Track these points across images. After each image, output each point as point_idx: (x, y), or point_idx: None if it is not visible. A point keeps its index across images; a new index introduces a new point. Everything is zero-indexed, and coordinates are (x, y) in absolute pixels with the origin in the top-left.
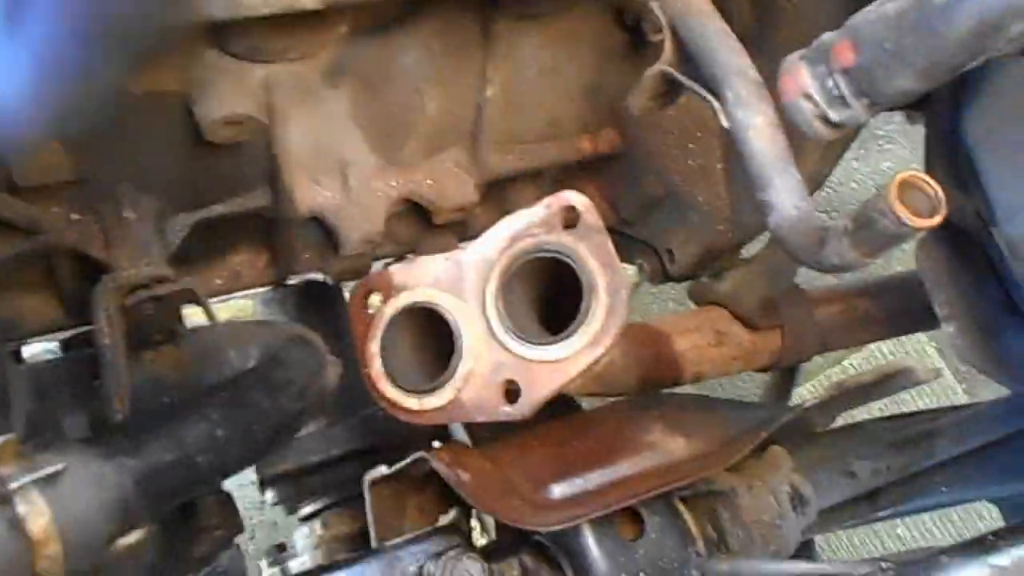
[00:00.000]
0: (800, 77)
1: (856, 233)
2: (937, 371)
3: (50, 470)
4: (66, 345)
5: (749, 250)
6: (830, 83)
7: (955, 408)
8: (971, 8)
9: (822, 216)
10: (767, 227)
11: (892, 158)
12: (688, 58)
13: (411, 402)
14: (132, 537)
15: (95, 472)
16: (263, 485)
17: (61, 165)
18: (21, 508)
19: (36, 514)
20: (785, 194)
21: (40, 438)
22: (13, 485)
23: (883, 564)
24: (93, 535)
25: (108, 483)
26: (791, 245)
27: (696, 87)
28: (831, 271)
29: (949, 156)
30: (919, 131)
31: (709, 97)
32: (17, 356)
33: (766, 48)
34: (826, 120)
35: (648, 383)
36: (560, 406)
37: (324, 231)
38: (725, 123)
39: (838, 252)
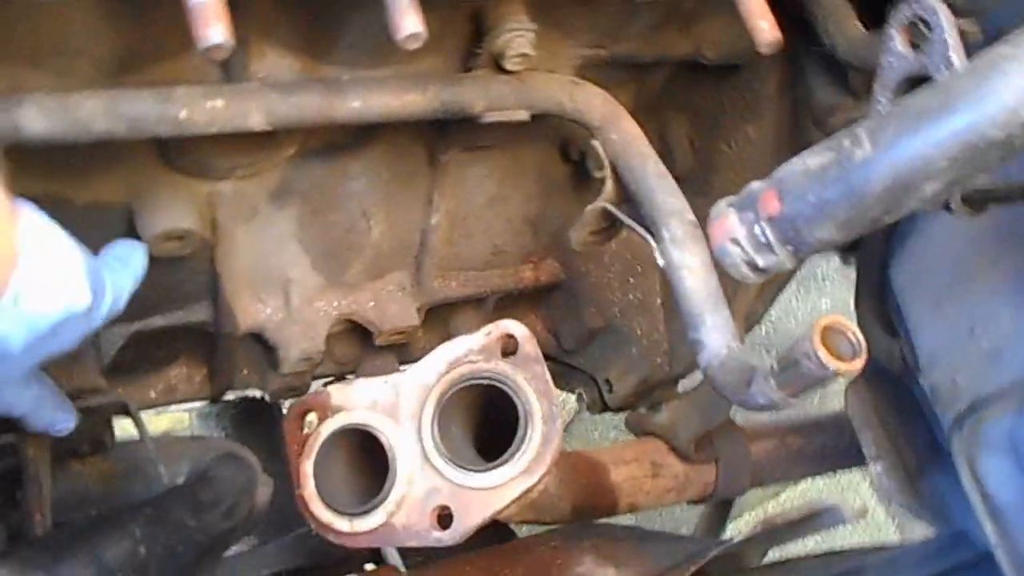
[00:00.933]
0: (728, 223)
1: (781, 374)
2: (864, 510)
3: None
4: None
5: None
6: (757, 230)
7: (883, 547)
8: (885, 168)
9: (759, 352)
10: (698, 365)
11: (830, 297)
12: (628, 197)
13: (343, 524)
14: None
15: None
16: None
17: None
18: None
19: None
20: (715, 333)
21: None
22: None
23: None
24: None
25: None
26: (719, 384)
27: (634, 225)
28: (757, 410)
29: (878, 299)
30: None
31: (646, 236)
32: None
33: (705, 190)
34: (753, 265)
35: (583, 512)
36: (494, 532)
37: (264, 348)
38: (661, 262)
39: (763, 392)
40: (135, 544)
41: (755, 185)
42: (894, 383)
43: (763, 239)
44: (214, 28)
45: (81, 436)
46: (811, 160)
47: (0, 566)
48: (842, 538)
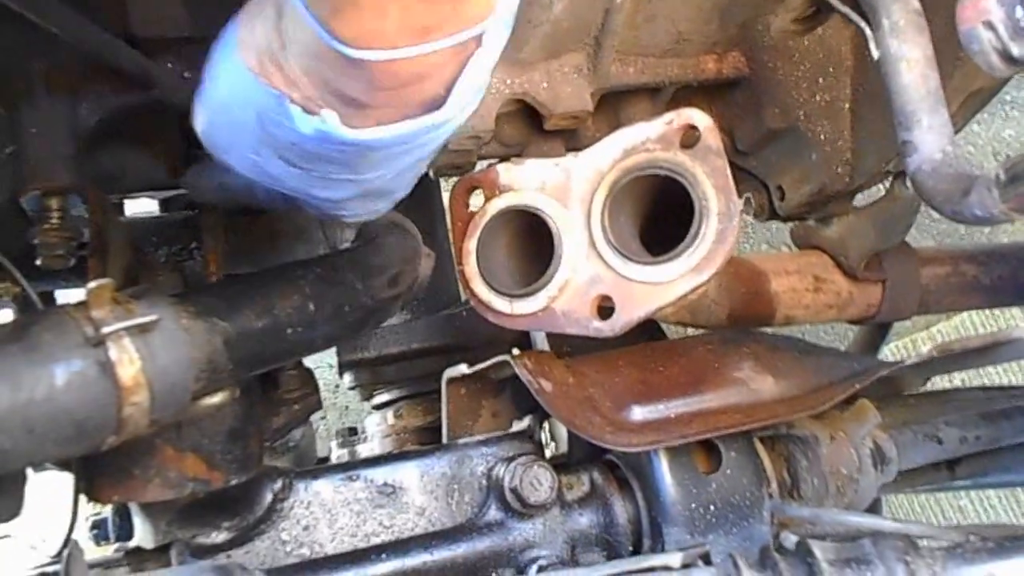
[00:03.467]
0: (983, 2)
1: (1009, 186)
2: None
3: (143, 320)
4: (164, 204)
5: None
6: (1019, 11)
7: None
8: None
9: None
10: (905, 168)
11: (1016, 126)
12: None
13: (502, 304)
14: (215, 398)
15: (187, 327)
16: (341, 368)
17: (178, 19)
18: (112, 353)
19: (127, 361)
20: (931, 135)
21: (132, 288)
22: (106, 329)
23: (971, 536)
24: (180, 390)
25: (198, 340)
26: (930, 190)
27: (848, 12)
28: (969, 223)
29: None
30: None
31: (861, 23)
32: (119, 209)
33: None
34: (1006, 55)
35: (738, 319)
36: (644, 329)
37: None
38: (876, 53)
39: (983, 203)
40: (305, 300)
41: None
42: None
43: None
44: None
45: None
46: None
47: (181, 305)
48: (994, 380)
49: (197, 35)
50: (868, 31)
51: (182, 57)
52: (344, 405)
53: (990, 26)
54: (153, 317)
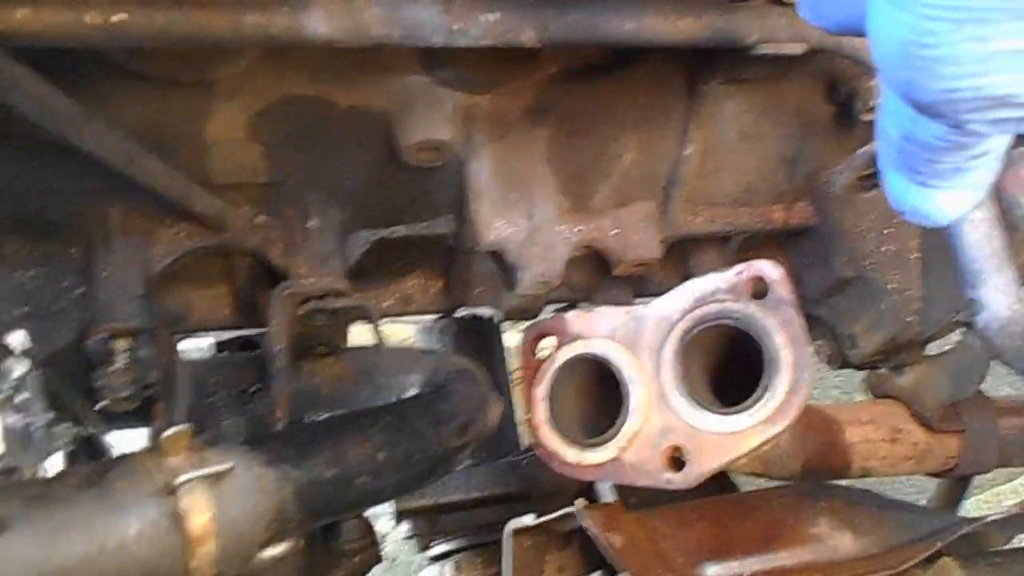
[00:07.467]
0: (1021, 173)
1: None
2: None
3: (218, 468)
4: (220, 345)
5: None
6: None
7: None
8: None
9: None
10: (974, 326)
11: None
12: None
13: (571, 454)
14: (280, 548)
15: (259, 477)
16: (399, 516)
17: (256, 166)
18: (184, 502)
19: (198, 511)
20: (998, 294)
21: (205, 434)
22: (181, 478)
23: None
24: (248, 540)
25: (270, 490)
26: (1000, 348)
27: None
28: None
29: None
30: None
31: None
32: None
33: None
34: None
35: (813, 471)
36: (716, 482)
37: (502, 267)
38: None
39: None
40: (375, 448)
41: None
42: None
43: None
44: None
45: (319, 337)
46: None
47: (253, 453)
48: None
49: (272, 181)
50: None
51: (256, 202)
52: (392, 556)
53: None
54: (227, 466)
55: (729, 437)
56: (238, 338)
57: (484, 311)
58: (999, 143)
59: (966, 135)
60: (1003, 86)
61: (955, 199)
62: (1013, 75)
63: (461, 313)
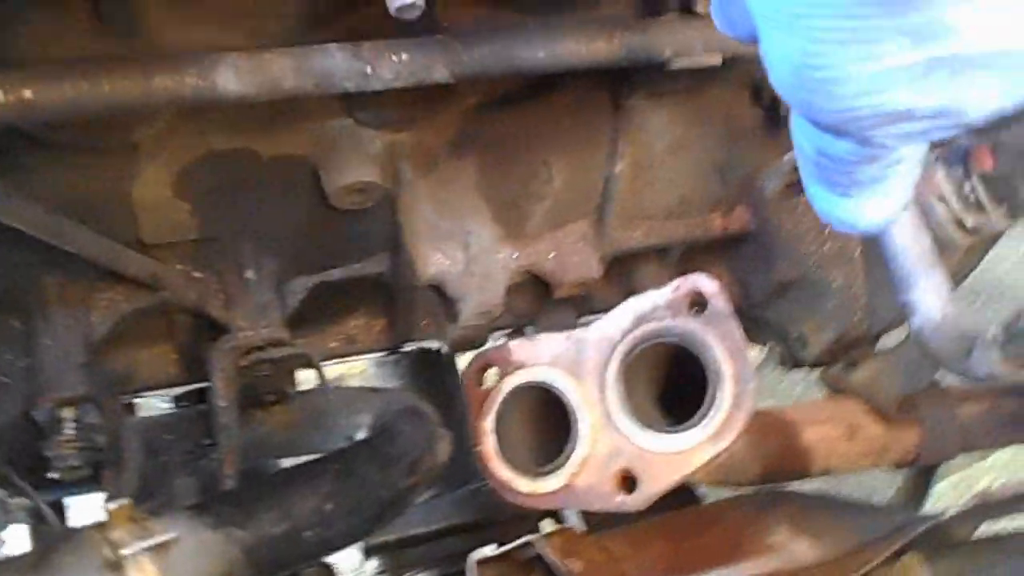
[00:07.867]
0: (935, 179)
1: (1008, 344)
2: None
3: (162, 539)
4: (177, 400)
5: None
6: (967, 187)
7: None
8: None
9: (975, 312)
10: (909, 328)
11: None
12: None
13: (522, 484)
14: None
15: (205, 542)
16: (367, 553)
17: (186, 224)
18: (132, 575)
19: None
20: (930, 296)
21: (152, 501)
22: (125, 552)
23: None
24: None
25: (217, 553)
26: (934, 350)
27: None
28: (977, 380)
29: None
30: None
31: None
32: (129, 408)
33: None
34: (960, 225)
35: (773, 475)
36: (676, 494)
37: (442, 299)
38: None
39: (986, 362)
40: (323, 500)
41: (965, 139)
42: None
43: (973, 197)
44: None
45: (265, 387)
46: None
47: (198, 518)
48: None
49: (204, 237)
50: None
51: (189, 258)
52: None
53: (943, 200)
54: (171, 535)
55: (677, 456)
56: (196, 390)
57: (430, 344)
58: (913, 150)
59: (875, 148)
60: (902, 102)
61: (878, 206)
62: (909, 90)
63: (408, 348)
